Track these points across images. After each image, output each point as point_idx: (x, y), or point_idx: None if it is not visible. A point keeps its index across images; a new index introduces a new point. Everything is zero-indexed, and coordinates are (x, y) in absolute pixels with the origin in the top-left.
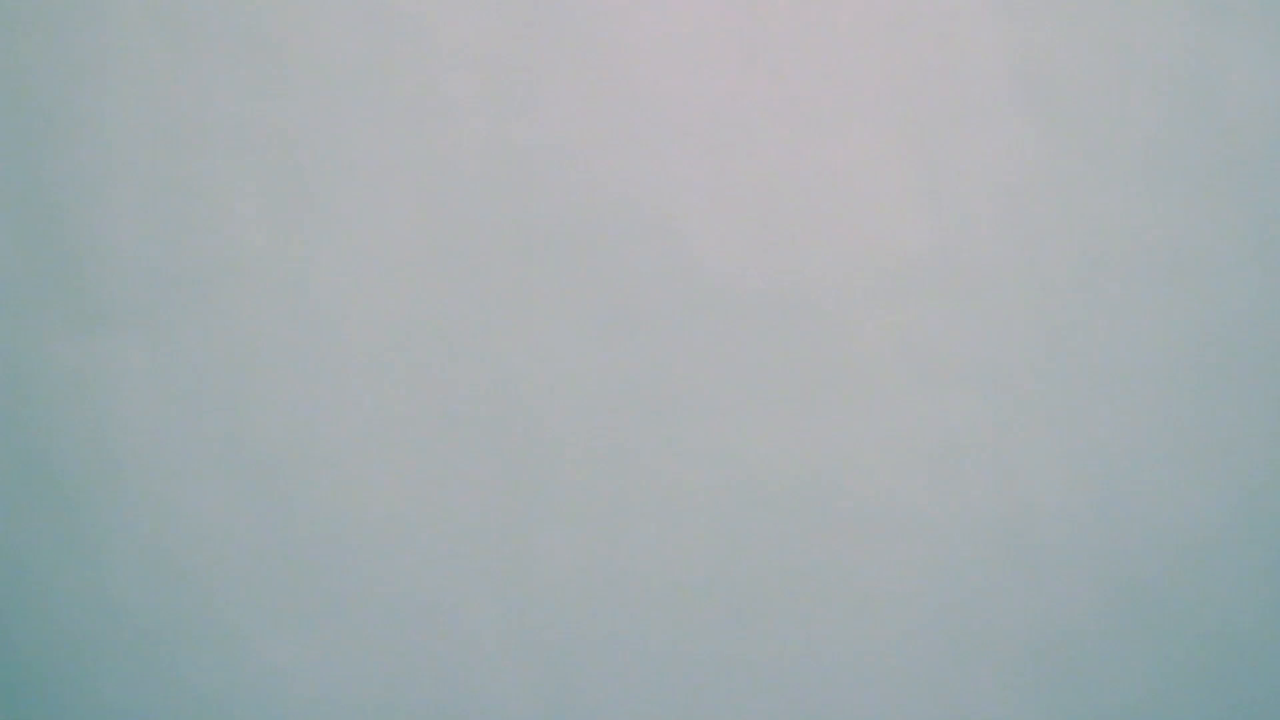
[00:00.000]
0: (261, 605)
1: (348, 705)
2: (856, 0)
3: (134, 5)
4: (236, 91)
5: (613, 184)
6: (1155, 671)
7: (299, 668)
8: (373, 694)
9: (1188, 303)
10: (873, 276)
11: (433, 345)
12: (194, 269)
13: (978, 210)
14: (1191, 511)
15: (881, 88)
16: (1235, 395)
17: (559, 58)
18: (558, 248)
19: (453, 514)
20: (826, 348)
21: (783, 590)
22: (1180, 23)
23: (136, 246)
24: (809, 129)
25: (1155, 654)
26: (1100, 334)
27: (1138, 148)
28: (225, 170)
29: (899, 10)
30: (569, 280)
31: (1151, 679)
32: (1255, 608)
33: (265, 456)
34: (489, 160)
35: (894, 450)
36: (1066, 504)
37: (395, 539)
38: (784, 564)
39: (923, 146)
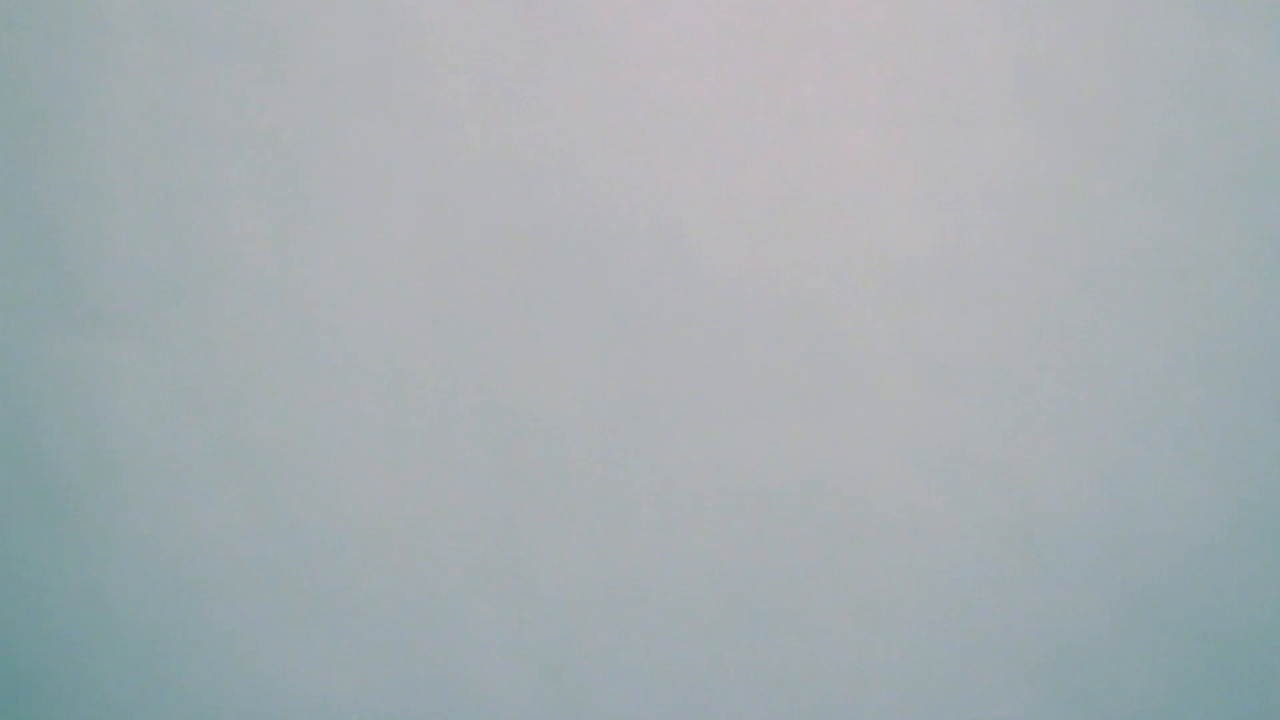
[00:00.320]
0: (260, 606)
1: (347, 706)
2: (859, 2)
3: (132, 7)
4: (234, 93)
5: (613, 186)
6: (1162, 676)
7: (298, 668)
8: (372, 695)
9: (1194, 306)
10: (876, 280)
11: (432, 347)
12: (191, 270)
13: (981, 213)
14: (1198, 516)
15: (885, 90)
16: (1242, 399)
17: (559, 60)
18: (558, 250)
19: (453, 515)
20: (829, 351)
21: (786, 594)
22: (1185, 25)
23: (133, 248)
24: (811, 132)
25: (1162, 658)
26: (1105, 337)
27: (1142, 151)
28: (223, 172)
29: (902, 12)
30: (569, 283)
31: (1159, 683)
32: (1263, 613)
33: (263, 457)
34: (488, 162)
35: (898, 454)
36: (1072, 508)
37: (394, 540)
38: (787, 567)
39: (926, 149)
